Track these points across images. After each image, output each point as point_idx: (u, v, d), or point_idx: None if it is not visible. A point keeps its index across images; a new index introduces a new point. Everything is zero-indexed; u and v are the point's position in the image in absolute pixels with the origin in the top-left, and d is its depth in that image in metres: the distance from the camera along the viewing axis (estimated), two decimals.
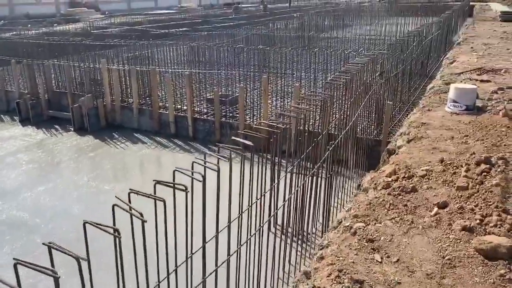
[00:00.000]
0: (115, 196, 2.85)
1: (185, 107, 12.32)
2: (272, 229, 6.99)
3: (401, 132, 6.77)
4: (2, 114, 14.75)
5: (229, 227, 4.29)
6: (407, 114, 13.16)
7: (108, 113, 13.20)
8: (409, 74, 14.39)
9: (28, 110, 13.69)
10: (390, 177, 4.63)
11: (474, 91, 7.02)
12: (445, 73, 10.70)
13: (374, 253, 3.25)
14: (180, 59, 14.62)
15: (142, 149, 11.57)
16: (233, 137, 4.91)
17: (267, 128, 5.73)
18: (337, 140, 7.74)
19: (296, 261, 6.67)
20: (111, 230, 2.61)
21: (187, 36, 20.24)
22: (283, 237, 7.08)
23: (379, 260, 3.16)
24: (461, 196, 3.94)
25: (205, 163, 3.62)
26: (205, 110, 12.57)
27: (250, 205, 5.55)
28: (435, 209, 3.77)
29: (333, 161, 7.98)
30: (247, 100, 12.83)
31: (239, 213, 4.78)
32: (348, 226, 3.68)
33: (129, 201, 2.90)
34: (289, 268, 6.47)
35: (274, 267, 5.96)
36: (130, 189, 2.93)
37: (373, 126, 10.54)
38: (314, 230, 7.52)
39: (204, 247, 3.56)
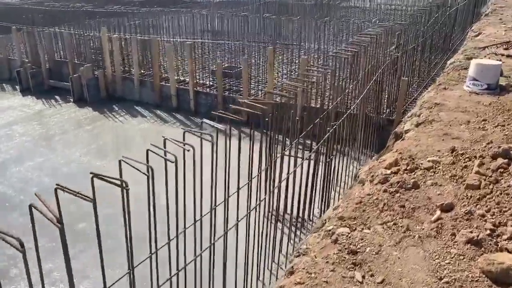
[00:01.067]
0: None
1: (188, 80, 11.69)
2: (269, 214, 6.42)
3: (412, 113, 6.02)
4: (4, 83, 14.38)
5: (211, 213, 3.96)
6: (426, 90, 12.28)
7: (109, 84, 12.67)
8: (430, 47, 13.39)
9: (28, 80, 13.26)
10: (389, 168, 3.95)
11: (498, 68, 6.18)
12: (468, 47, 9.75)
13: (355, 270, 2.63)
14: (187, 28, 13.91)
15: (141, 123, 11.05)
16: (212, 112, 4.34)
17: (257, 105, 5.12)
18: (341, 119, 7.03)
19: (287, 250, 6.12)
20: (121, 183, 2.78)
21: (198, 3, 19.39)
22: (276, 223, 6.52)
23: (360, 279, 2.54)
24: (471, 197, 3.25)
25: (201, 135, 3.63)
26: (210, 83, 11.92)
27: (238, 188, 5.02)
28: (438, 212, 3.11)
29: (336, 141, 7.30)
30: (254, 73, 12.11)
31: (224, 198, 4.23)
32: (330, 231, 3.06)
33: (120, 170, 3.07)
34: (278, 259, 5.93)
35: (260, 259, 5.41)
36: (122, 156, 3.08)
37: (385, 104, 9.75)
38: (312, 217, 6.93)
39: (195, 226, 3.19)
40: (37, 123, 10.99)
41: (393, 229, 3.00)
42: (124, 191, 2.78)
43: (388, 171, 3.89)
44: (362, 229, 3.02)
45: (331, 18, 12.89)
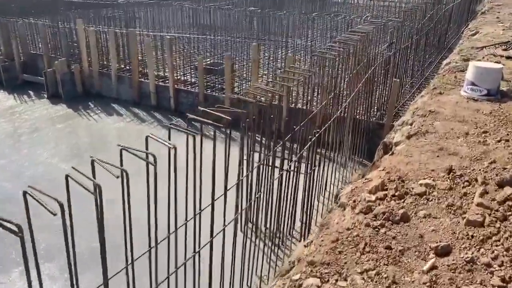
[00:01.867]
0: (72, 167, 2.72)
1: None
2: (248, 228, 5.79)
3: (403, 121, 5.41)
4: None
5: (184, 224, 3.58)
6: (419, 92, 11.71)
7: (86, 79, 11.95)
8: (424, 45, 12.80)
9: (0, 73, 12.50)
10: (375, 193, 3.34)
11: (499, 72, 5.58)
12: (465, 46, 9.16)
13: None
14: (171, 22, 13.20)
15: (116, 122, 10.36)
16: (188, 115, 3.92)
17: (228, 109, 4.50)
18: (324, 127, 6.41)
19: (261, 271, 5.51)
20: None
21: None
22: (253, 239, 5.92)
23: None
24: (472, 236, 2.65)
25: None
26: (193, 80, 11.25)
27: (212, 200, 4.43)
28: (431, 258, 2.50)
29: (322, 147, 6.70)
30: (239, 70, 11.46)
31: (194, 214, 3.70)
32: (296, 281, 2.44)
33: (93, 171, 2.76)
34: (249, 282, 5.32)
35: (233, 276, 4.80)
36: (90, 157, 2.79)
37: (376, 107, 9.15)
38: (292, 232, 6.33)
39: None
40: (5, 121, 10.27)
41: (376, 281, 2.38)
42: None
43: (373, 197, 3.27)
44: (337, 280, 2.40)
45: (321, 13, 12.24)
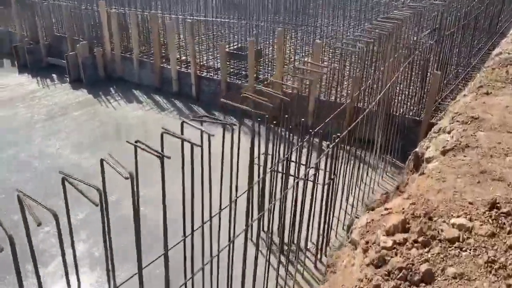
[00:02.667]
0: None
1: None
2: (261, 239, 5.17)
3: (440, 128, 4.57)
4: (5, 58, 13.48)
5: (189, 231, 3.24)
6: (464, 84, 10.59)
7: (108, 63, 11.55)
8: (473, 30, 11.58)
9: (25, 56, 12.31)
10: (393, 234, 2.62)
11: None
12: None
13: None
14: (195, 3, 12.52)
15: (136, 109, 9.91)
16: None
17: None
18: (349, 128, 5.64)
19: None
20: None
21: None
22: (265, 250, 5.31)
23: None
24: None
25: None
26: (218, 66, 10.60)
27: (220, 209, 4.00)
28: None
29: (351, 143, 5.96)
30: (265, 57, 10.72)
31: (203, 220, 3.58)
32: None
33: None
34: None
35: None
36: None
37: (413, 101, 8.21)
38: (310, 245, 5.66)
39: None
40: (24, 106, 10.03)
41: None
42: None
43: (390, 241, 2.56)
44: None
45: None
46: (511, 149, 3.65)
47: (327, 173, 5.02)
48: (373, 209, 4.19)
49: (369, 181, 6.84)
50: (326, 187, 4.90)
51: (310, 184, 4.92)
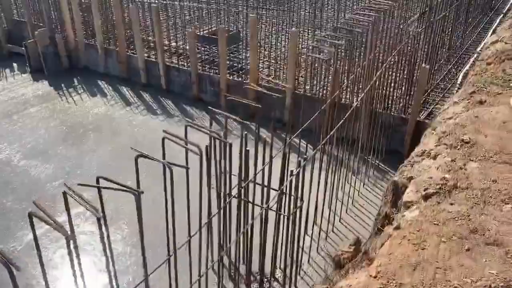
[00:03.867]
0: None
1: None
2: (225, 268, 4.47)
3: (423, 151, 3.80)
4: None
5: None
6: (457, 69, 9.80)
7: (72, 51, 10.60)
8: (466, 9, 10.70)
9: None
10: None
11: None
12: None
13: None
14: None
15: (99, 104, 9.05)
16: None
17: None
18: (318, 147, 4.86)
19: None
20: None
21: None
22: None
23: None
24: None
25: None
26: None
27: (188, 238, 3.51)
28: None
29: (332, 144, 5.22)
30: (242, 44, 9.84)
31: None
32: None
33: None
34: None
35: None
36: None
37: (397, 96, 7.41)
38: (278, 274, 4.98)
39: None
40: None
41: None
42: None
43: None
44: None
45: None
46: (509, 191, 2.93)
47: (297, 195, 4.28)
48: (339, 263, 3.51)
49: (347, 190, 6.13)
50: (293, 216, 4.18)
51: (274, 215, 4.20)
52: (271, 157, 4.00)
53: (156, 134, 3.38)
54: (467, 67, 9.28)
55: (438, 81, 8.75)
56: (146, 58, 9.56)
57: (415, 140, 7.06)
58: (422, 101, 7.26)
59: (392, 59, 6.65)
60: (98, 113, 8.70)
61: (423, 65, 6.41)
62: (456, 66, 9.98)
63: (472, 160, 3.29)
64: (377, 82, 6.82)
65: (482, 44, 11.28)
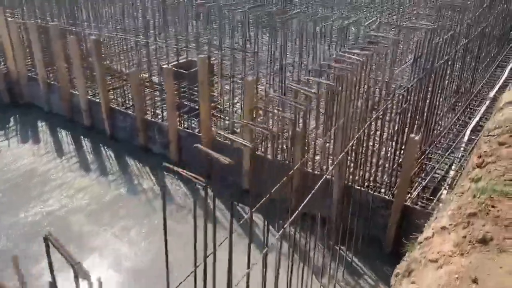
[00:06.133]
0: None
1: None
2: None
3: None
4: None
5: None
6: (462, 123, 8.01)
7: (14, 85, 9.13)
8: (480, 41, 8.92)
9: None
10: None
11: None
12: None
13: None
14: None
15: (27, 154, 7.49)
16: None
17: None
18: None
19: None
20: None
21: None
22: None
23: None
24: None
25: None
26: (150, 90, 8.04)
27: None
28: None
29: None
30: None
31: None
32: None
33: None
34: None
35: None
36: None
37: (383, 172, 5.70)
38: None
39: None
40: None
41: None
42: None
43: None
44: None
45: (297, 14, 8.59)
46: None
47: None
48: None
49: None
50: None
51: None
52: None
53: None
54: (474, 122, 7.54)
55: (439, 137, 7.03)
56: (89, 98, 8.02)
57: (401, 230, 5.33)
58: (408, 184, 5.44)
59: (374, 120, 4.99)
60: (20, 167, 7.13)
61: (412, 135, 4.70)
62: (465, 113, 8.24)
63: None
64: (353, 149, 5.17)
65: (497, 87, 9.56)
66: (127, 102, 7.90)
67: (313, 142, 5.68)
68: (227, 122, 7.06)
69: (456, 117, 7.95)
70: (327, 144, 5.47)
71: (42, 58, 8.41)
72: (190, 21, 9.09)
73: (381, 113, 4.97)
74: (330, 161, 5.63)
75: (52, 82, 8.58)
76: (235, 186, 6.33)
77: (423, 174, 6.03)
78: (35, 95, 9.02)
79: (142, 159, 7.27)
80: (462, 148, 6.84)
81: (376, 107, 5.08)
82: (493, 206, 2.88)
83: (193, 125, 7.11)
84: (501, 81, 9.59)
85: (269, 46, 7.37)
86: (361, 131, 4.93)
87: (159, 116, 7.44)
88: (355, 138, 4.84)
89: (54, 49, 7.95)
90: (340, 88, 4.51)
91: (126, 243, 5.53)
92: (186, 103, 7.19)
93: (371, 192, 5.28)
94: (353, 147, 5.11)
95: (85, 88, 7.93)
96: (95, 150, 7.61)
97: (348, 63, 4.00)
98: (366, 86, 4.72)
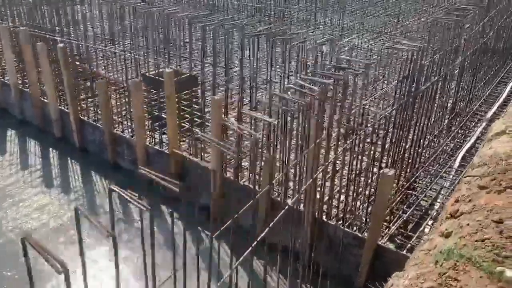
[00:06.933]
0: None
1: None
2: None
3: None
4: None
5: None
6: (461, 137, 7.49)
7: None
8: (478, 56, 8.36)
9: None
10: None
11: None
12: None
13: None
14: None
15: None
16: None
17: None
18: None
19: None
20: None
21: None
22: None
23: None
24: None
25: None
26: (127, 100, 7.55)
27: None
28: None
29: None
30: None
31: None
32: None
33: None
34: None
35: None
36: None
37: (355, 208, 5.20)
38: None
39: None
40: None
41: None
42: None
43: None
44: None
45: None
46: None
47: None
48: None
49: None
50: None
51: None
52: None
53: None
54: (466, 147, 7.00)
55: (428, 163, 6.52)
56: (61, 107, 7.60)
57: (374, 272, 4.84)
58: (382, 220, 4.93)
59: (345, 148, 4.51)
60: None
61: (386, 169, 4.20)
62: (460, 135, 7.71)
63: None
64: (321, 179, 4.70)
65: (496, 105, 9.00)
66: (99, 113, 7.45)
67: (283, 168, 5.21)
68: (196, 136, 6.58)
69: (449, 139, 7.43)
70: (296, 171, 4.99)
71: (14, 64, 8.01)
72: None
73: (353, 143, 4.48)
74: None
75: (25, 89, 8.18)
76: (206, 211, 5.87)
77: (404, 206, 5.54)
78: (8, 102, 8.63)
79: (109, 175, 6.83)
80: (451, 176, 6.33)
81: (350, 135, 4.60)
82: (456, 280, 2.39)
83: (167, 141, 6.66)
84: (501, 99, 9.03)
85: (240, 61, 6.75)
86: (330, 160, 4.46)
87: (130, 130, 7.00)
88: (322, 167, 4.36)
89: (24, 53, 7.54)
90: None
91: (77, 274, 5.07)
92: (164, 115, 6.73)
93: (342, 227, 4.78)
94: (324, 176, 4.64)
95: (56, 97, 7.51)
96: (62, 164, 7.18)
97: (307, 91, 3.53)
98: (336, 115, 4.24)
